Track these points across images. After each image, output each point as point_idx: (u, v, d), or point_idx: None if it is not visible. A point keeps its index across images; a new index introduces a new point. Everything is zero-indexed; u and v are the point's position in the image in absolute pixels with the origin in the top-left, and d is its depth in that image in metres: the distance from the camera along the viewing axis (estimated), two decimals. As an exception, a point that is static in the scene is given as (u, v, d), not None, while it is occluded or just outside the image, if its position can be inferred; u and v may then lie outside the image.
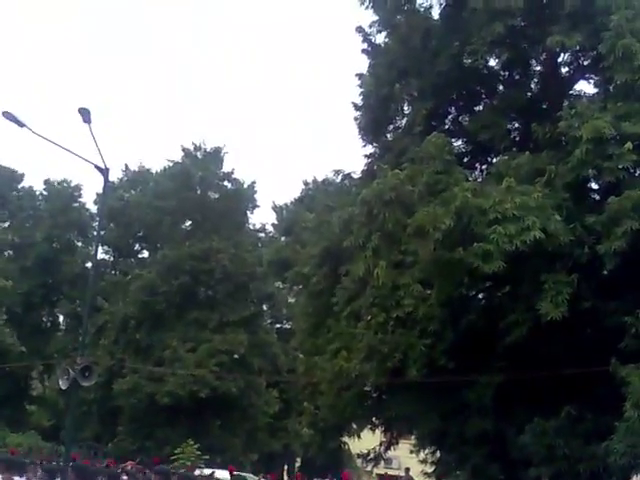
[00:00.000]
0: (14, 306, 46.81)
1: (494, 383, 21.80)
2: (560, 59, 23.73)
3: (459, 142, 25.14)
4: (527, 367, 20.89)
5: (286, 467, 47.48)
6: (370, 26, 25.60)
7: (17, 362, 44.42)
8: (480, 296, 25.14)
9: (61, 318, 52.64)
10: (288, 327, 45.48)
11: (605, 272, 20.14)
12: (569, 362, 20.10)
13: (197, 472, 30.22)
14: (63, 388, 33.03)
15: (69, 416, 31.96)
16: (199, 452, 31.45)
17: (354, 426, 29.54)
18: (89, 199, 57.48)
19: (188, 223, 46.36)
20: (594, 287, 20.16)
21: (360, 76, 26.27)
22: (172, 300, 41.09)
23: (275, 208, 39.50)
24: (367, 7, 24.55)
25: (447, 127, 25.31)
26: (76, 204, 50.42)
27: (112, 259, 50.48)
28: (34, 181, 73.46)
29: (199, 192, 44.95)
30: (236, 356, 40.99)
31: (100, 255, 46.56)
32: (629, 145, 18.90)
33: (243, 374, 39.83)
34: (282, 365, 41.78)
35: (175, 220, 44.91)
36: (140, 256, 50.05)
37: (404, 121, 25.92)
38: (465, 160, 24.83)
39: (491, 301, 24.06)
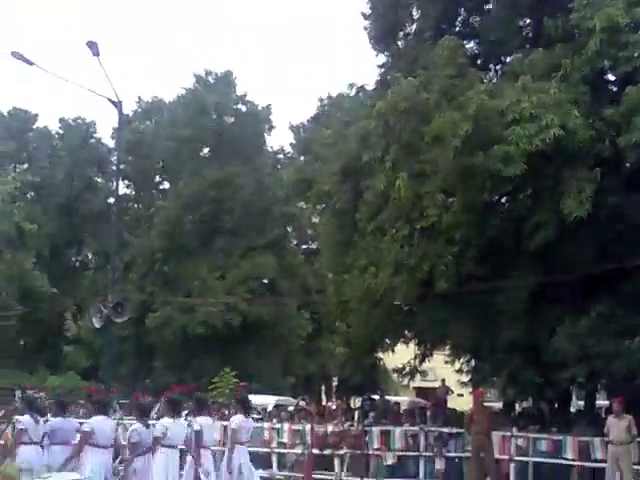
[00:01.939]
0: (41, 249, 46.98)
1: (524, 287, 21.66)
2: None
3: (471, 44, 24.81)
4: (555, 268, 20.75)
5: (323, 388, 47.80)
6: None
7: (49, 305, 44.75)
8: (503, 200, 24.89)
9: (89, 257, 52.81)
10: (314, 247, 45.39)
11: (627, 165, 19.82)
12: (597, 260, 19.94)
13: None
14: (97, 327, 33.29)
15: (106, 354, 32.21)
16: (236, 380, 31.59)
17: (387, 341, 29.53)
18: (105, 135, 57.27)
19: (206, 150, 46.07)
20: (617, 182, 19.89)
21: (366, -17, 25.85)
22: (197, 229, 41.02)
23: (292, 128, 39.21)
24: None
25: (458, 29, 24.93)
26: (93, 140, 50.24)
27: (134, 193, 50.39)
28: (48, 121, 73.14)
29: (214, 118, 44.61)
30: (265, 281, 41.04)
31: (121, 190, 46.53)
32: (644, 31, 18.52)
33: (273, 298, 39.94)
34: (311, 286, 41.75)
35: (193, 148, 44.63)
36: (161, 187, 49.92)
37: (414, 27, 25.53)
38: (479, 62, 24.47)
39: (515, 204, 23.81)
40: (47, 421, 16.44)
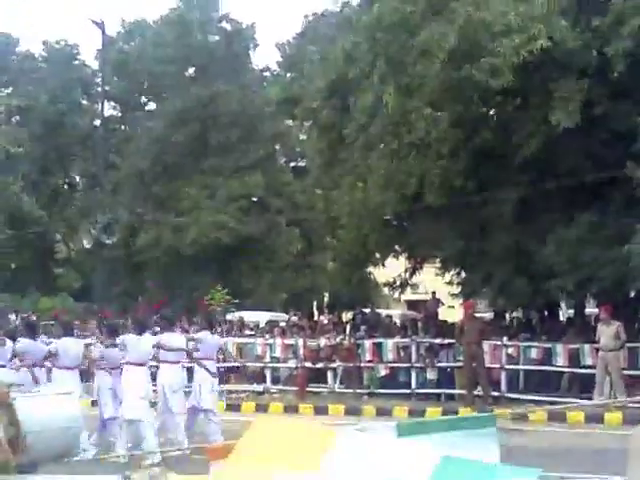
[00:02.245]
0: (29, 172, 46.82)
1: (513, 198, 21.84)
2: None
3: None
4: (544, 179, 20.90)
5: (315, 303, 48.18)
6: None
7: (39, 227, 44.78)
8: (491, 113, 24.89)
9: (77, 179, 52.67)
10: (303, 164, 45.37)
11: (615, 74, 19.85)
12: (585, 170, 20.07)
13: (228, 316, 30.70)
14: (87, 247, 33.51)
15: (97, 274, 32.48)
16: (228, 297, 31.90)
17: (377, 255, 29.79)
18: (90, 57, 56.67)
19: (191, 70, 45.73)
20: (605, 91, 19.92)
21: None
22: (184, 149, 40.85)
23: (278, 45, 38.89)
24: None
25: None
26: (77, 62, 49.71)
27: (120, 114, 50.07)
28: (31, 45, 72.25)
29: (199, 37, 44.23)
30: (254, 199, 41.01)
31: (107, 111, 46.14)
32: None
33: (263, 216, 40.05)
34: (300, 203, 41.77)
35: (178, 68, 44.27)
36: (147, 108, 49.52)
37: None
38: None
39: (503, 116, 23.83)
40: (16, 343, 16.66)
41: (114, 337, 16.19)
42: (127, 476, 1.97)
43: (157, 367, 16.63)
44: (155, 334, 17.05)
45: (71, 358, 15.93)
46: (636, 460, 2.03)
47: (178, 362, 16.37)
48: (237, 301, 32.49)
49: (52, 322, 26.41)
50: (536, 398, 20.46)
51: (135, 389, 15.10)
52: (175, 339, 16.62)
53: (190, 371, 17.50)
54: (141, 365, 15.42)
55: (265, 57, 62.64)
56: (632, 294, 24.16)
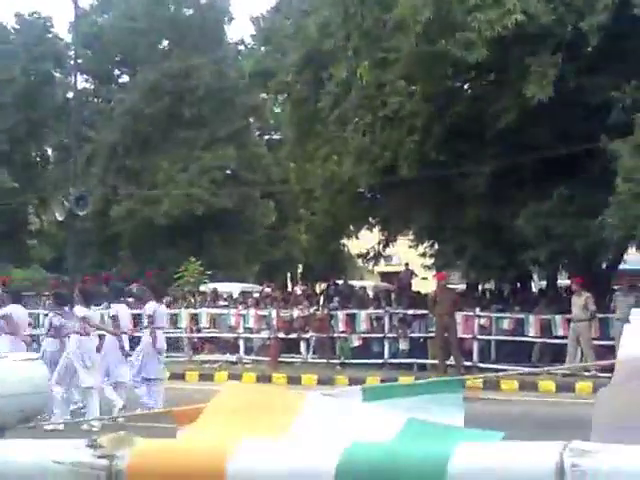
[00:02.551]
0: (1, 144, 46.50)
1: (486, 171, 21.96)
2: None
3: None
4: (518, 153, 21.02)
5: (289, 274, 48.32)
6: None
7: (11, 199, 44.53)
8: (466, 87, 24.99)
9: (50, 152, 52.38)
10: (277, 138, 45.39)
11: (589, 49, 19.97)
12: (559, 143, 20.21)
13: (202, 288, 30.79)
14: (60, 219, 33.39)
15: (70, 246, 32.38)
16: (202, 268, 31.96)
17: (351, 228, 29.96)
18: (62, 30, 56.19)
19: (165, 43, 45.56)
20: (579, 66, 20.03)
21: None
22: (158, 122, 40.72)
23: (252, 19, 38.70)
24: None
25: None
26: (50, 35, 49.33)
27: (93, 87, 49.77)
28: (3, 17, 71.33)
29: (172, 9, 44.07)
30: (228, 171, 40.98)
31: (80, 84, 45.79)
32: None
33: (237, 188, 40.05)
34: (275, 176, 41.82)
35: (151, 41, 44.10)
36: (120, 81, 49.24)
37: None
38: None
39: (477, 90, 23.92)
40: None
41: (62, 307, 16.51)
42: (94, 440, 2.05)
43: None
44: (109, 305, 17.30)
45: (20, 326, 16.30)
46: (599, 420, 2.14)
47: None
48: (210, 272, 32.54)
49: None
50: (508, 368, 20.69)
51: (84, 358, 15.34)
52: (123, 311, 16.95)
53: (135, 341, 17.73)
54: (87, 335, 15.64)
55: (239, 30, 62.35)
56: (604, 266, 24.44)
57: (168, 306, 27.27)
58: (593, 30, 18.64)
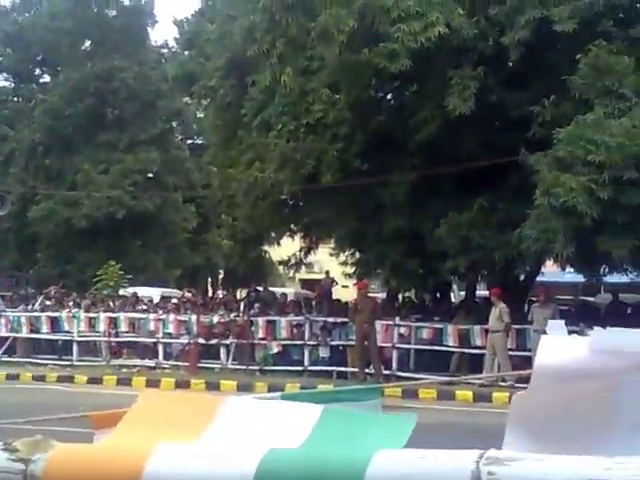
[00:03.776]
0: None
1: (408, 181, 22.13)
2: None
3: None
4: (439, 163, 21.23)
5: (209, 280, 48.17)
6: None
7: None
8: (389, 97, 25.21)
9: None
10: (200, 142, 45.22)
11: (510, 64, 20.30)
12: (479, 155, 20.46)
13: (122, 292, 30.50)
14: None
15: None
16: (122, 272, 31.67)
17: (273, 234, 29.96)
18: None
19: (88, 43, 45.07)
20: (500, 79, 20.35)
21: None
22: (79, 123, 40.24)
23: (176, 22, 38.45)
24: None
25: None
26: (-31, 33, 48.61)
27: (13, 86, 49.04)
28: None
29: (96, 10, 43.61)
30: (150, 175, 40.67)
31: (0, 83, 45.20)
32: None
33: (158, 192, 39.76)
34: (197, 180, 41.65)
35: (74, 41, 43.55)
36: (42, 81, 48.56)
37: None
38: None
39: (400, 101, 24.17)
40: None
41: None
42: (9, 443, 2.01)
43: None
44: None
45: None
46: (514, 424, 2.17)
47: None
48: (130, 276, 32.24)
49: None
50: (426, 377, 20.86)
51: None
52: None
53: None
54: None
55: (163, 33, 61.95)
56: (522, 277, 24.78)
57: (87, 310, 27.05)
58: (514, 45, 18.95)
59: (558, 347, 2.13)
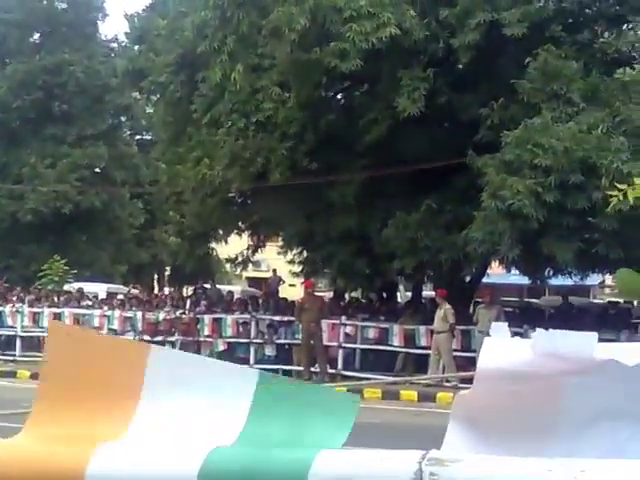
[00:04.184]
0: None
1: (356, 181, 22.19)
2: None
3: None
4: (387, 164, 21.28)
5: (156, 276, 47.93)
6: None
7: None
8: (339, 96, 25.26)
9: None
10: (148, 138, 44.98)
11: (460, 66, 20.41)
12: (428, 157, 20.53)
13: (67, 287, 30.25)
14: None
15: None
16: (67, 267, 31.41)
17: (221, 232, 29.87)
18: None
19: (37, 36, 44.62)
20: (449, 81, 20.45)
21: None
22: (26, 116, 39.82)
23: (127, 17, 38.10)
24: None
25: None
26: None
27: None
28: None
29: (45, 2, 43.19)
30: (97, 170, 40.42)
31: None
32: None
33: (105, 187, 39.49)
34: (145, 176, 41.41)
35: (23, 33, 43.06)
36: (-11, 72, 48.16)
37: None
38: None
39: (350, 101, 24.22)
40: None
41: None
42: None
43: None
44: None
45: None
46: (455, 423, 2.18)
47: None
48: (75, 272, 31.97)
49: None
50: (372, 376, 20.91)
51: None
52: None
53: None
54: None
55: (113, 28, 61.47)
56: (468, 279, 24.94)
57: (31, 305, 26.78)
58: (464, 47, 19.07)
59: (501, 349, 2.14)
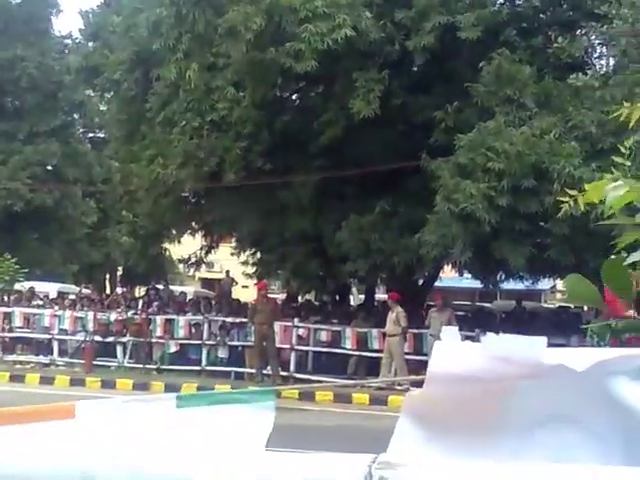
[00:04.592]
0: None
1: (311, 182, 22.21)
2: None
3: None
4: (342, 165, 21.31)
5: (108, 276, 47.62)
6: None
7: None
8: (294, 97, 25.25)
9: None
10: (102, 136, 44.64)
11: (415, 68, 20.50)
12: (382, 159, 20.58)
13: (17, 286, 29.93)
14: None
15: None
16: (17, 266, 31.09)
17: (174, 232, 29.74)
18: None
19: (-11, 31, 44.25)
20: (404, 84, 20.52)
21: None
22: (-23, 112, 39.55)
23: (81, 13, 37.85)
24: None
25: None
26: None
27: None
28: None
29: (-3, -2, 42.87)
30: (49, 167, 40.03)
31: None
32: None
33: (58, 185, 39.13)
34: (97, 175, 41.12)
35: (-26, 28, 42.73)
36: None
37: None
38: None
39: (305, 101, 24.23)
40: None
41: None
42: None
43: None
44: None
45: None
46: (404, 421, 2.18)
47: None
48: (26, 271, 31.64)
49: None
50: (324, 379, 20.95)
51: None
52: None
53: None
54: None
55: (68, 24, 61.07)
56: (420, 282, 25.05)
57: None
58: (419, 50, 19.16)
59: (451, 352, 2.13)
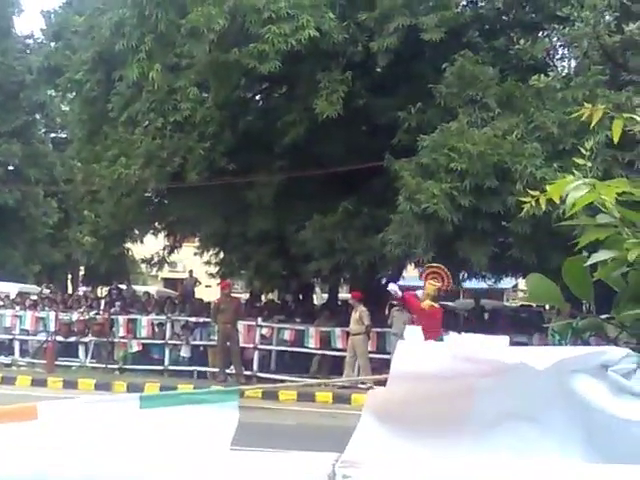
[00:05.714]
0: None
1: (274, 183, 22.21)
2: None
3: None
4: (305, 166, 21.34)
5: (70, 276, 47.30)
6: None
7: None
8: (258, 97, 25.22)
9: None
10: (63, 136, 44.33)
11: (378, 69, 20.54)
12: (345, 159, 20.63)
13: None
14: None
15: None
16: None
17: (136, 232, 29.58)
18: None
19: (-51, 30, 43.80)
20: (367, 85, 20.58)
21: None
22: (-63, 112, 39.07)
23: (43, 13, 37.57)
24: None
25: None
26: None
27: None
28: None
29: (-42, -4, 42.43)
30: (10, 167, 39.74)
31: None
32: None
33: (19, 185, 38.82)
34: (59, 175, 40.83)
35: None
36: None
37: None
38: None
39: (268, 102, 24.24)
40: None
41: None
42: None
43: None
44: None
45: None
46: (367, 417, 2.20)
47: None
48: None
49: None
50: (287, 378, 20.95)
51: None
52: None
53: None
54: None
55: (29, 24, 60.52)
56: (383, 281, 25.09)
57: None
58: (382, 51, 19.21)
59: (413, 351, 2.15)
